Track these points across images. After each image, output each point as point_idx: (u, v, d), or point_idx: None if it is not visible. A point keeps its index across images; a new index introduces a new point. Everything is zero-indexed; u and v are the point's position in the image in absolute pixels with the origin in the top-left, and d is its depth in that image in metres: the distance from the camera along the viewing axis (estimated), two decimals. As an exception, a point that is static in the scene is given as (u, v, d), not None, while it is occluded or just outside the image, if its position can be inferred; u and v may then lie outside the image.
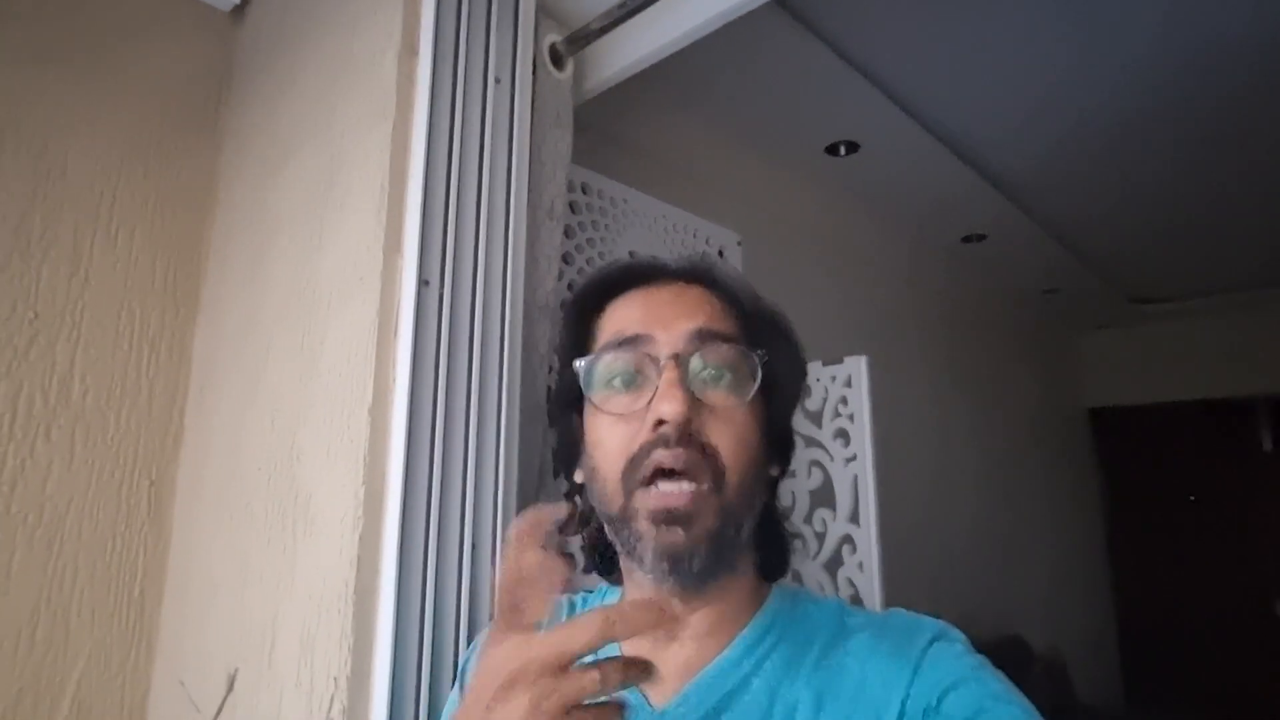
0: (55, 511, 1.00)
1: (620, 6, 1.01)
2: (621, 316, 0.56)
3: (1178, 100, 1.88)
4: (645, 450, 0.50)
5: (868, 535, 1.35)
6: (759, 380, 0.52)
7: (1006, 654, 2.15)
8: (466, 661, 0.71)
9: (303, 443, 0.87)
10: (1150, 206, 2.52)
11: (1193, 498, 3.74)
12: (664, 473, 0.49)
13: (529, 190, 0.96)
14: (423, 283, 0.80)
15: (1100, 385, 4.05)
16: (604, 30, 1.07)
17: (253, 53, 1.20)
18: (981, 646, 0.52)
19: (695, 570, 0.50)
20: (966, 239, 2.78)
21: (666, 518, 0.49)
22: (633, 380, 0.53)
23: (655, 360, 0.52)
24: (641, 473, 0.50)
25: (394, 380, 0.79)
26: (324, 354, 0.87)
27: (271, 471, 0.92)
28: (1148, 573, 3.79)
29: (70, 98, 1.07)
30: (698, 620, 0.55)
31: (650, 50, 1.11)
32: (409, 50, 0.86)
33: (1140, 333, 3.87)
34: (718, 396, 0.51)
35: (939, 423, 2.93)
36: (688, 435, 0.49)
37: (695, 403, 0.50)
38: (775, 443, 0.58)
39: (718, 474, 0.50)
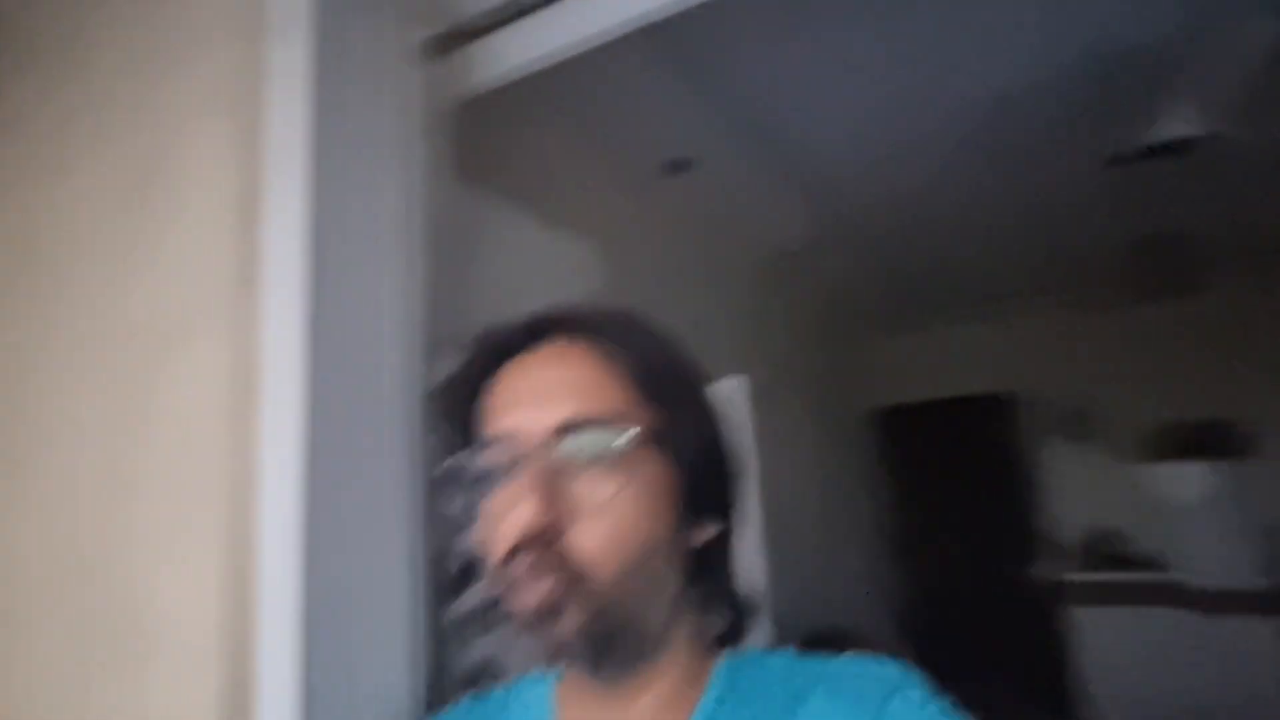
0: None
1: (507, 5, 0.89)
2: (496, 404, 0.52)
3: (972, 140, 2.14)
4: (509, 554, 0.48)
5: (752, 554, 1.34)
6: (628, 455, 0.48)
7: (828, 642, 2.28)
8: None
9: (116, 539, 0.65)
10: (940, 225, 2.87)
11: (961, 485, 4.30)
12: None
13: (407, 202, 0.81)
14: (291, 319, 0.63)
15: (887, 386, 4.53)
16: (482, 32, 0.95)
17: (11, 20, 0.91)
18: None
19: (587, 666, 0.48)
20: (784, 252, 2.98)
21: (528, 618, 0.47)
22: (503, 479, 0.49)
23: (518, 461, 0.49)
24: (509, 573, 0.48)
25: (259, 450, 0.61)
26: (150, 418, 0.66)
27: (63, 580, 0.68)
28: (925, 553, 4.30)
29: None
30: (644, 708, 0.52)
31: (529, 58, 1.00)
32: (256, 29, 0.68)
33: (920, 338, 4.42)
34: (588, 487, 0.48)
35: (760, 428, 3.08)
36: (538, 542, 0.47)
37: (556, 503, 0.47)
38: (697, 504, 0.52)
39: (577, 575, 0.47)
